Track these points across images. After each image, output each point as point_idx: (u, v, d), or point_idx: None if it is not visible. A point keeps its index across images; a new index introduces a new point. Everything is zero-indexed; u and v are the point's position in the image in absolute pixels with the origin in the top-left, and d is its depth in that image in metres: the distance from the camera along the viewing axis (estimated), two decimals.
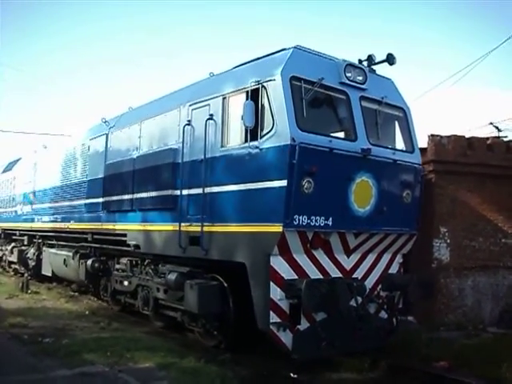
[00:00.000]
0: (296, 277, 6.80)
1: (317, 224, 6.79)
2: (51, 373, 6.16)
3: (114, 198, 9.95)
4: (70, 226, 12.20)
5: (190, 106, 8.15)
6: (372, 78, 7.87)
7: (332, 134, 7.32)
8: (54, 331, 8.47)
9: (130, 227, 9.41)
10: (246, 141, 7.01)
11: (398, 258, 8.22)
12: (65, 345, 7.51)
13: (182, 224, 7.87)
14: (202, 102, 7.91)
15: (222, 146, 7.43)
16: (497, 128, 16.27)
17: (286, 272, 6.73)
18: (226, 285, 7.64)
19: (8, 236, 17.87)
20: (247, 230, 6.82)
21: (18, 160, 17.79)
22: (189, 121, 8.06)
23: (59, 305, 11.73)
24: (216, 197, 7.38)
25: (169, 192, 8.25)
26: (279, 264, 6.68)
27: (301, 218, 6.63)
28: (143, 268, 9.40)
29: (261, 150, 6.78)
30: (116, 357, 6.88)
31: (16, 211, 16.50)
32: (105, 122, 11.28)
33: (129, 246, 9.49)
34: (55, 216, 13.19)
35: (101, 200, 10.57)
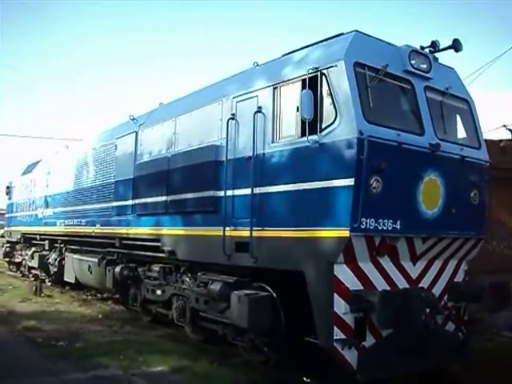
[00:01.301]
0: (361, 287, 6.05)
1: (384, 228, 6.03)
2: (65, 376, 6.19)
3: (146, 200, 9.24)
4: (96, 231, 11.51)
5: (234, 98, 7.42)
6: (435, 66, 7.10)
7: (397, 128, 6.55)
8: (67, 334, 8.49)
9: (165, 232, 8.69)
10: (302, 135, 6.28)
11: (464, 266, 7.43)
12: (78, 348, 7.56)
13: (227, 228, 7.13)
14: (249, 93, 7.18)
15: (273, 142, 6.69)
16: (510, 131, 15.73)
17: (351, 282, 5.96)
18: (275, 295, 6.88)
19: (28, 240, 17.25)
20: (306, 236, 6.06)
21: (37, 162, 17.19)
22: (233, 114, 7.33)
23: (72, 308, 11.71)
24: (267, 198, 6.63)
25: (210, 193, 7.52)
26: (344, 273, 5.91)
27: (368, 221, 5.87)
28: (179, 276, 8.67)
29: (321, 144, 6.04)
30: (129, 360, 6.89)
31: (36, 215, 15.88)
32: (133, 120, 10.60)
33: (162, 252, 8.77)
34: (79, 220, 12.53)
35: (130, 202, 9.88)
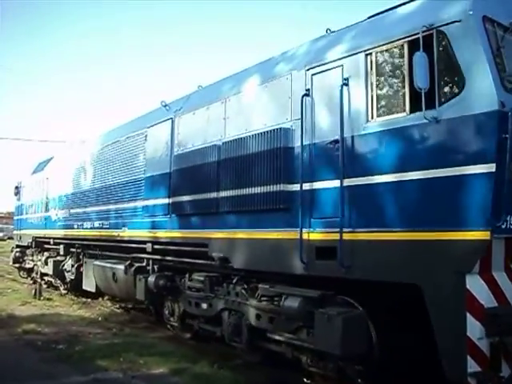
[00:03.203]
0: (496, 304, 4.69)
1: None
2: (65, 379, 6.17)
3: (187, 197, 7.86)
4: (122, 234, 10.14)
5: (308, 70, 6.05)
6: None
7: None
8: (67, 337, 8.41)
9: (214, 235, 7.31)
10: (412, 110, 4.96)
11: None
12: (78, 351, 7.49)
13: (304, 230, 5.77)
14: (330, 62, 5.81)
15: (367, 121, 5.33)
16: None
17: (486, 298, 4.62)
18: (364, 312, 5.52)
19: (40, 245, 15.84)
20: (425, 239, 4.70)
21: (50, 159, 15.79)
22: (308, 90, 5.97)
23: (72, 311, 11.57)
24: (364, 191, 5.27)
25: (279, 187, 6.15)
26: (478, 287, 4.57)
27: (510, 219, 4.53)
28: (231, 288, 7.29)
29: (442, 121, 4.68)
30: (129, 363, 6.84)
31: (50, 217, 14.48)
32: (165, 106, 9.25)
33: (210, 258, 7.41)
34: (101, 222, 11.15)
35: (166, 201, 8.51)
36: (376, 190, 5.14)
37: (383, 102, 5.28)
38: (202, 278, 7.92)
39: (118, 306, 12.27)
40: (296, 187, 5.98)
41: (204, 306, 7.82)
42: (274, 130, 6.33)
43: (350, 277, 5.35)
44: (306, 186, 5.83)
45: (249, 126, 6.86)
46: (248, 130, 6.83)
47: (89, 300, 12.93)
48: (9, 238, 51.79)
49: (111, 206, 10.66)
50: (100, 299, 13.04)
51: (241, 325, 7.09)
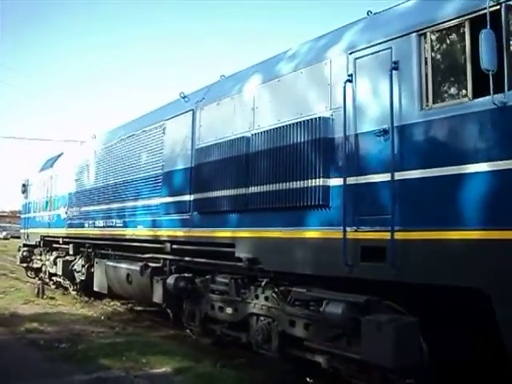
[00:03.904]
0: None
1: None
2: (68, 378, 6.14)
3: (212, 194, 7.35)
4: (137, 233, 9.64)
5: (351, 54, 5.53)
6: None
7: None
8: (69, 336, 8.42)
9: (242, 234, 6.80)
10: (476, 95, 4.43)
11: None
12: (81, 350, 7.48)
13: (348, 229, 5.24)
14: (376, 45, 5.28)
15: (421, 108, 4.81)
16: None
17: None
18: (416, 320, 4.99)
19: (48, 244, 15.34)
20: (499, 237, 4.16)
21: (59, 156, 15.29)
22: (350, 75, 5.45)
23: (74, 310, 11.56)
24: (417, 186, 4.75)
25: (318, 182, 5.63)
26: None
27: None
28: (260, 291, 6.77)
29: (509, 107, 4.16)
30: (132, 361, 6.83)
31: (59, 215, 13.99)
32: (184, 98, 8.75)
33: (237, 259, 6.90)
34: (113, 220, 10.66)
35: (187, 198, 8.00)
36: (433, 184, 4.62)
37: (441, 87, 4.77)
38: (226, 281, 7.41)
39: (120, 304, 12.17)
40: (337, 182, 5.47)
41: (229, 310, 7.30)
42: (311, 119, 5.81)
43: (400, 280, 4.83)
44: (351, 181, 5.30)
45: (281, 116, 6.34)
46: (281, 121, 6.32)
47: (91, 299, 12.80)
48: (12, 237, 51.43)
49: (126, 204, 10.16)
50: (103, 298, 12.73)
51: (271, 331, 6.57)
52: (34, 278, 16.96)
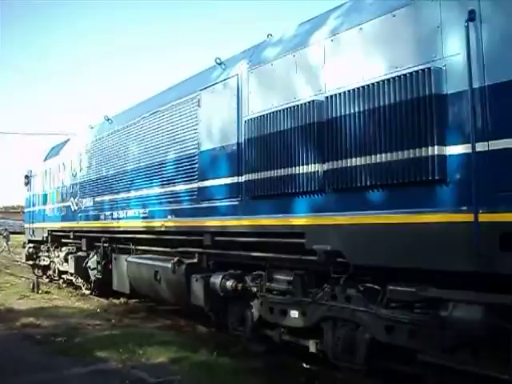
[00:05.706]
0: None
1: None
2: (65, 371, 6.15)
3: (271, 173, 6.07)
4: (167, 224, 8.37)
5: None
6: None
7: None
8: (66, 330, 8.40)
9: (316, 221, 5.53)
10: None
11: None
12: (77, 343, 7.54)
13: (481, 210, 4.00)
14: None
15: None
16: None
17: None
18: None
19: (57, 239, 14.03)
20: None
21: (66, 142, 13.96)
22: (472, 13, 4.17)
23: (70, 304, 11.46)
24: None
25: (430, 150, 4.36)
26: None
27: None
28: (339, 289, 5.53)
29: None
30: (129, 353, 6.82)
31: (69, 207, 12.66)
32: (220, 64, 7.46)
33: (308, 252, 5.65)
34: (137, 210, 9.38)
35: (235, 180, 6.74)
36: None
37: None
38: (289, 278, 6.18)
39: (115, 297, 11.71)
40: (460, 150, 4.22)
41: (294, 313, 6.08)
42: (415, 72, 4.54)
43: None
44: (481, 147, 4.05)
45: (366, 72, 5.05)
46: (365, 78, 5.04)
47: (87, 292, 12.59)
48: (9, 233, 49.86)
49: (152, 191, 8.88)
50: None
51: (355, 339, 5.36)
52: (41, 276, 15.68)
